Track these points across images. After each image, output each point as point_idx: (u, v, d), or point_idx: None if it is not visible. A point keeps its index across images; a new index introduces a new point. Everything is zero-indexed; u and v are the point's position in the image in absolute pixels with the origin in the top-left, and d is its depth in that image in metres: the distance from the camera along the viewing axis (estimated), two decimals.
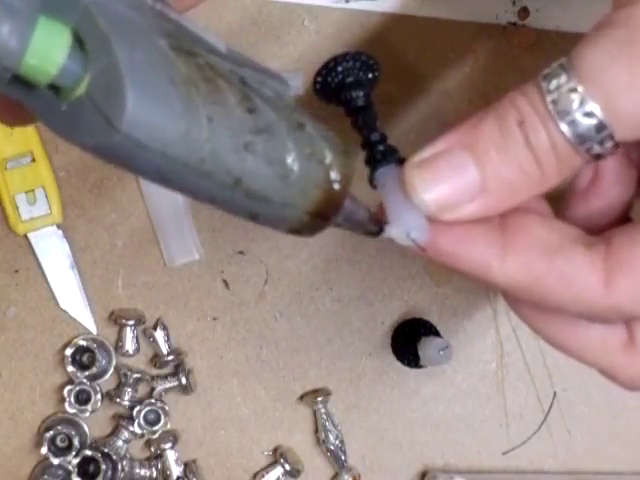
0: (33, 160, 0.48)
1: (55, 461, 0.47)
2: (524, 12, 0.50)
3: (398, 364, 0.50)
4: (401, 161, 0.30)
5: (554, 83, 0.25)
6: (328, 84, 0.35)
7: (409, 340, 0.49)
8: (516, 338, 0.51)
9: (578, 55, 0.25)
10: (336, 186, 0.26)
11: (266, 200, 0.25)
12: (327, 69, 0.34)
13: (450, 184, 0.27)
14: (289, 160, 0.25)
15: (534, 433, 0.51)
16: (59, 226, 0.48)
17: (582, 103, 0.25)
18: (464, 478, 0.49)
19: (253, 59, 0.27)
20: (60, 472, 0.48)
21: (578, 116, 0.25)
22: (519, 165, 0.26)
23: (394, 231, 0.28)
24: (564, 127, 0.25)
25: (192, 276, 0.49)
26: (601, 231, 0.29)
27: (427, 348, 0.47)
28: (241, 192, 0.24)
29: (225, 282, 0.49)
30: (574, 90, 0.25)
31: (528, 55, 0.50)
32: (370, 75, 0.35)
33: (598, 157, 0.26)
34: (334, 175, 0.26)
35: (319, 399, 0.49)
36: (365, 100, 0.34)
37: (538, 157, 0.26)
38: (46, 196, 0.48)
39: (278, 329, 0.50)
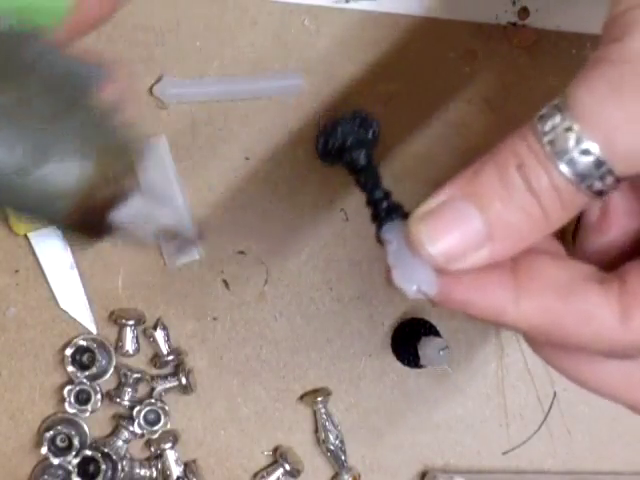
0: None
1: (55, 461, 0.47)
2: (524, 12, 0.50)
3: (398, 364, 0.50)
4: (406, 216, 0.30)
5: (549, 124, 0.26)
6: (329, 149, 0.35)
7: (409, 340, 0.49)
8: (516, 338, 0.51)
9: (572, 95, 0.25)
10: (102, 185, 0.24)
11: (18, 194, 0.23)
12: (326, 133, 0.35)
13: (455, 235, 0.27)
14: (47, 155, 0.23)
15: (534, 433, 0.51)
16: None
17: (578, 141, 0.25)
18: (464, 478, 0.49)
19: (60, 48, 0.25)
20: (60, 472, 0.48)
21: (576, 155, 0.25)
22: (523, 210, 0.26)
23: (403, 286, 0.28)
24: (563, 167, 0.25)
25: (192, 276, 0.49)
26: (614, 264, 0.29)
27: (427, 348, 0.47)
28: None
29: (225, 282, 0.49)
30: (570, 129, 0.25)
31: (528, 55, 0.50)
32: (370, 134, 0.35)
33: (601, 193, 0.26)
34: (98, 175, 0.24)
35: (319, 399, 0.49)
36: (366, 159, 0.34)
37: (541, 200, 0.26)
38: None
39: (278, 329, 0.50)
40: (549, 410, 0.51)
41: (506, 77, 0.50)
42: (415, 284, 0.28)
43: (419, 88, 0.49)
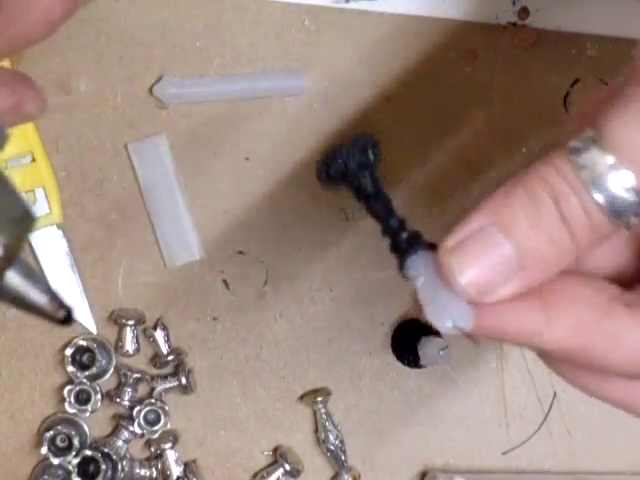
0: (33, 160, 0.48)
1: (55, 461, 0.47)
2: (524, 12, 0.50)
3: (398, 364, 0.50)
4: (428, 246, 0.29)
5: (585, 157, 0.25)
6: (331, 175, 0.34)
7: (409, 340, 0.49)
8: None
9: (608, 127, 0.25)
10: None
11: None
12: (327, 158, 0.33)
13: (489, 267, 0.26)
14: None
15: (534, 433, 0.51)
16: (59, 226, 0.48)
17: (615, 173, 0.25)
18: (464, 478, 0.49)
19: None
20: (60, 472, 0.48)
21: (612, 185, 0.25)
22: (553, 238, 0.26)
23: (438, 324, 0.28)
24: (597, 196, 0.25)
25: (192, 276, 0.49)
26: (629, 278, 0.29)
27: (427, 348, 0.47)
28: None
29: (225, 282, 0.49)
30: (606, 161, 0.25)
31: (528, 55, 0.50)
32: (371, 155, 0.33)
33: (629, 223, 0.26)
34: None
35: (319, 399, 0.49)
36: (373, 183, 0.33)
37: (572, 228, 0.26)
38: (46, 196, 0.48)
39: (278, 329, 0.50)
40: (549, 410, 0.51)
41: (506, 77, 0.50)
42: (450, 320, 0.27)
43: (419, 88, 0.49)
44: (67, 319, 0.26)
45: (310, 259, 0.50)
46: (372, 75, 0.49)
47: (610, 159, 0.25)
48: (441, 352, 0.46)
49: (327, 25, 0.49)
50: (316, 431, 0.50)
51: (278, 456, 0.49)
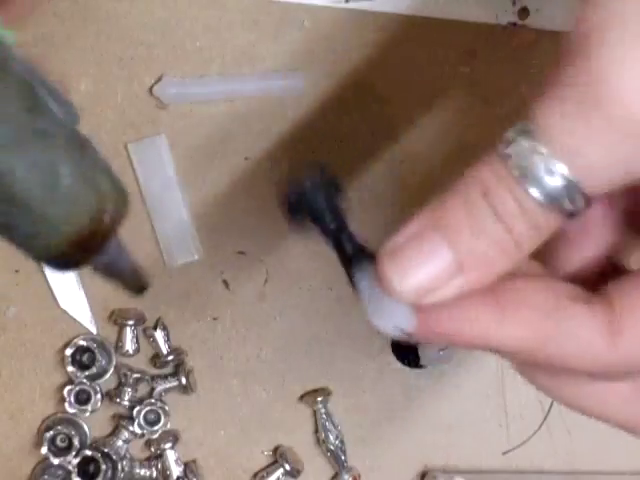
0: None
1: (55, 461, 0.47)
2: (524, 12, 0.50)
3: (398, 364, 0.50)
4: (373, 256, 0.29)
5: (515, 148, 0.25)
6: (298, 217, 0.34)
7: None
8: None
9: (537, 117, 0.25)
10: (106, 218, 0.26)
11: (25, 207, 0.24)
12: (291, 203, 0.33)
13: (425, 270, 0.26)
14: (61, 171, 0.24)
15: (534, 433, 0.51)
16: None
17: (547, 164, 0.24)
18: (464, 478, 0.49)
19: (50, 83, 0.27)
20: (60, 472, 0.48)
21: (544, 177, 0.25)
22: (491, 238, 0.25)
23: (380, 326, 0.27)
24: (532, 190, 0.25)
25: (192, 276, 0.49)
26: (592, 280, 0.29)
27: (427, 348, 0.47)
28: None
29: (225, 282, 0.49)
30: (537, 152, 0.25)
31: (528, 55, 0.50)
32: (335, 194, 0.33)
33: (572, 215, 0.25)
34: (105, 207, 0.26)
35: (319, 399, 0.49)
36: (337, 225, 0.32)
37: (509, 226, 0.25)
38: None
39: (278, 329, 0.50)
40: (549, 410, 0.51)
41: (506, 77, 0.50)
42: (392, 322, 0.27)
43: (419, 88, 0.49)
44: (142, 290, 0.29)
45: (310, 259, 0.50)
46: (372, 75, 0.49)
47: (537, 147, 0.25)
48: (441, 352, 0.46)
49: (327, 25, 0.49)
50: (316, 431, 0.50)
51: (278, 456, 0.49)
